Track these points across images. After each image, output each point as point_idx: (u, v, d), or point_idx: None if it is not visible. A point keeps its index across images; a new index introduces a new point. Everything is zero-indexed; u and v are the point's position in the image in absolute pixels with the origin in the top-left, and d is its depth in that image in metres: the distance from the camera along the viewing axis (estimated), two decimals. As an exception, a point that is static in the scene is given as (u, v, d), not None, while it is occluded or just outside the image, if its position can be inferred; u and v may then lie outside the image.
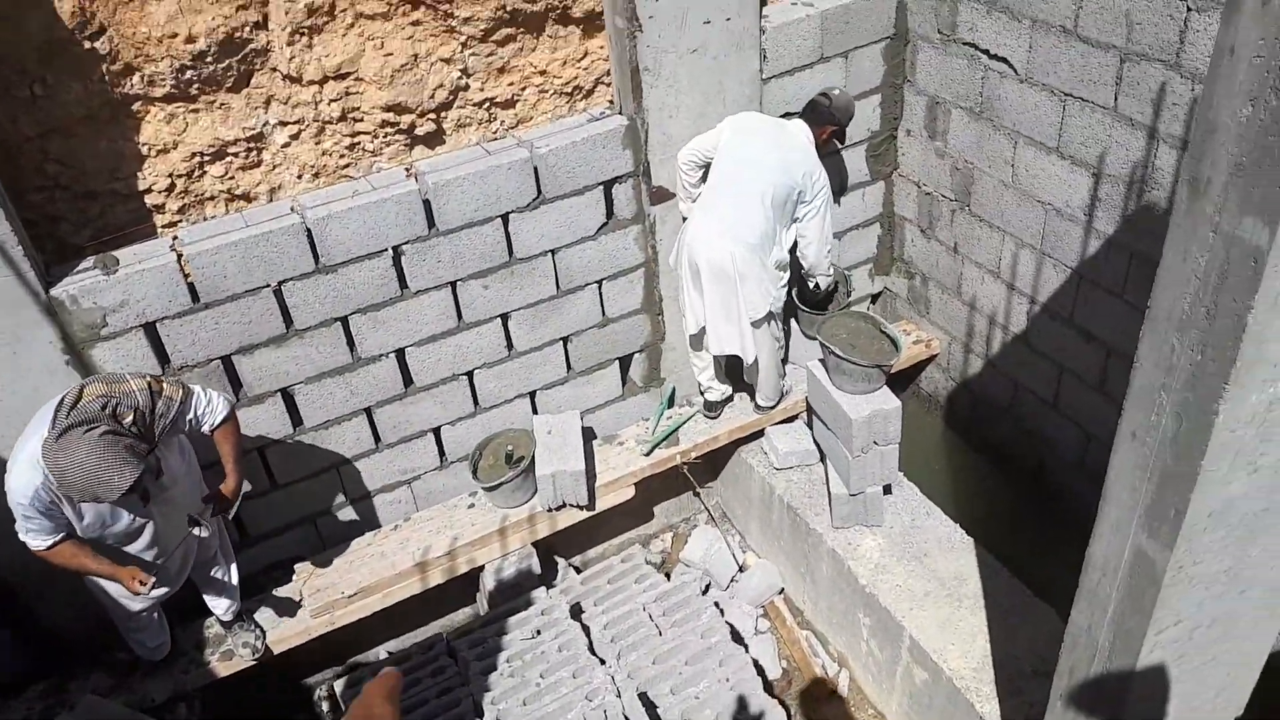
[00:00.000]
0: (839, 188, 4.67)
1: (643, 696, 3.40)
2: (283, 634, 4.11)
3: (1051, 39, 3.60)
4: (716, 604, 4.75)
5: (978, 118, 4.12)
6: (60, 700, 3.85)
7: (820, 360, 4.29)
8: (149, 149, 3.59)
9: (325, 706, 4.55)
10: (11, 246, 3.16)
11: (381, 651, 4.79)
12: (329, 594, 4.19)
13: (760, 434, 4.84)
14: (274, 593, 4.21)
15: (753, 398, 4.73)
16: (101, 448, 2.80)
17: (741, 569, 4.95)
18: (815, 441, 4.67)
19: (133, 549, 3.32)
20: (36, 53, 3.20)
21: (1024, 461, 4.74)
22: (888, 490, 4.42)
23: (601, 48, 4.08)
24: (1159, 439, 2.13)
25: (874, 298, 5.25)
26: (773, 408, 4.71)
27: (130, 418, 2.95)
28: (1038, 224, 4.05)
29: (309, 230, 3.64)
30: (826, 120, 3.97)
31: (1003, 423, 4.77)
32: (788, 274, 4.21)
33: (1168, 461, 2.12)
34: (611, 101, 4.17)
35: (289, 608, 4.15)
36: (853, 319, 4.23)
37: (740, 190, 3.91)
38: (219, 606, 3.92)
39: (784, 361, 4.69)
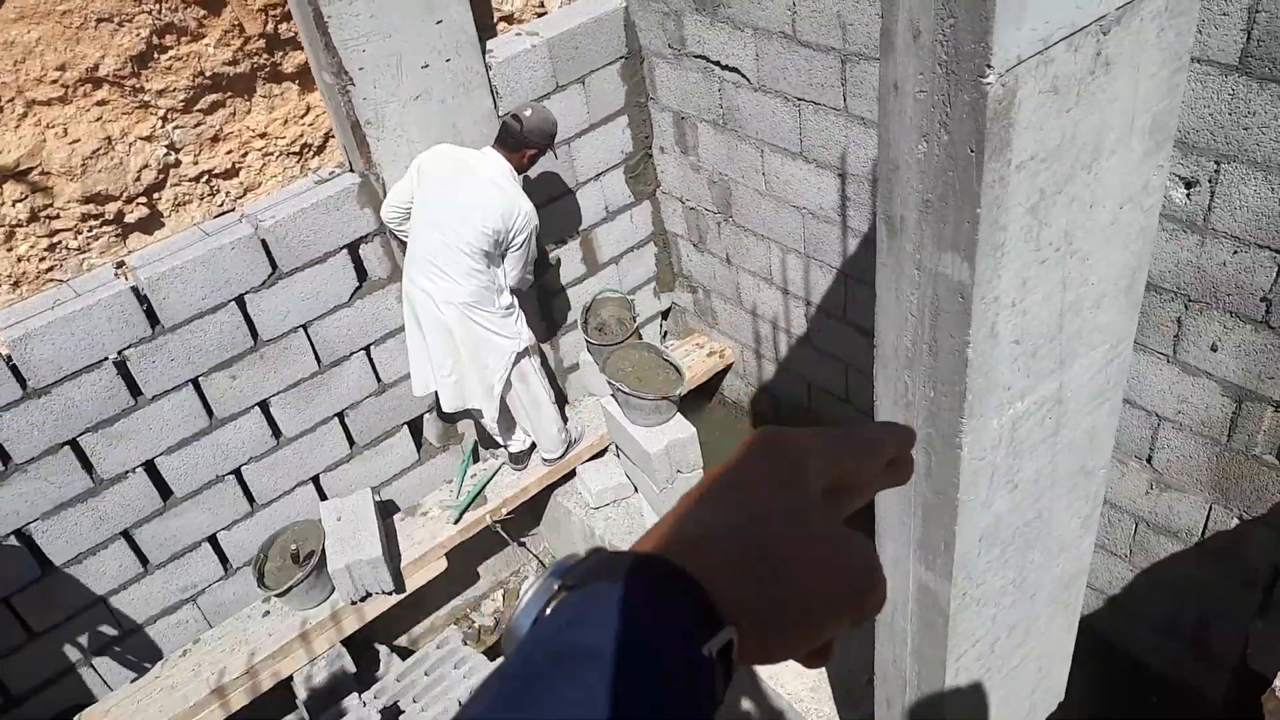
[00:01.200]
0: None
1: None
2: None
3: (775, 46, 3.55)
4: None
5: (723, 129, 4.05)
6: None
7: (612, 395, 4.13)
8: None
9: None
10: None
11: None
12: (117, 743, 3.72)
13: (572, 475, 4.65)
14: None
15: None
16: None
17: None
18: (627, 474, 4.53)
19: None
20: None
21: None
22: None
23: (323, 101, 3.77)
24: (915, 473, 2.05)
25: (664, 314, 5.15)
26: (559, 458, 4.50)
27: None
28: (797, 229, 4.01)
29: (8, 356, 3.18)
30: (523, 145, 3.63)
31: (803, 422, 4.77)
32: (518, 325, 3.93)
33: (927, 496, 2.04)
34: (345, 155, 3.86)
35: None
36: (636, 351, 4.10)
37: (443, 246, 3.60)
38: None
39: (560, 399, 4.47)
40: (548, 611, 0.48)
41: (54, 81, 3.21)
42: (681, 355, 4.87)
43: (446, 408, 4.02)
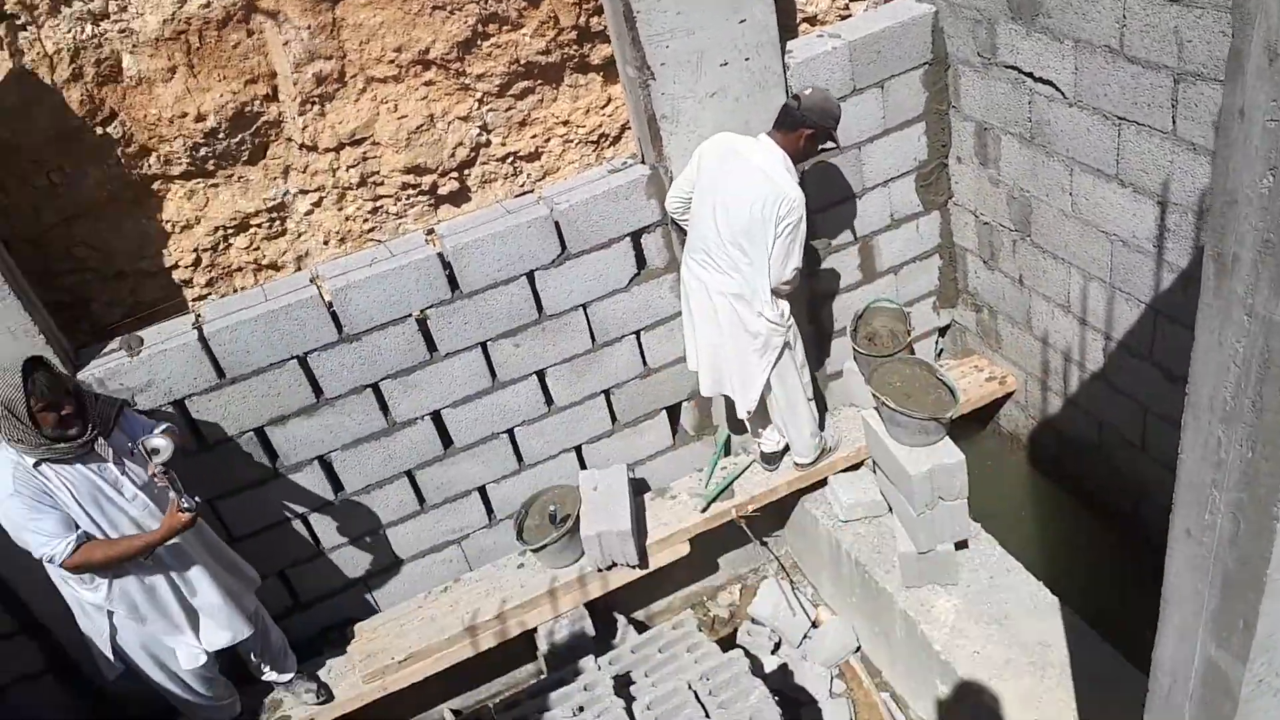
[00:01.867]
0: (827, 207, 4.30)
1: (681, 785, 3.19)
2: (338, 698, 4.07)
3: (1098, 60, 3.23)
4: (786, 665, 4.48)
5: (1029, 144, 3.76)
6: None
7: (875, 408, 3.99)
8: (172, 226, 3.60)
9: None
10: (33, 336, 3.18)
11: (445, 711, 4.71)
12: (380, 659, 4.12)
13: (824, 483, 4.55)
14: (329, 659, 4.18)
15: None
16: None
17: (814, 625, 4.66)
18: (882, 492, 4.37)
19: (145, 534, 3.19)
20: (50, 143, 3.23)
21: (1116, 506, 4.32)
22: (962, 545, 4.09)
23: (625, 92, 3.91)
24: (1216, 539, 1.81)
25: (942, 331, 4.90)
26: (811, 464, 4.41)
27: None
28: (1104, 256, 3.66)
29: (329, 302, 3.58)
30: (799, 124, 3.49)
31: (1091, 464, 4.36)
32: (785, 322, 3.84)
33: (1229, 565, 1.80)
34: (639, 147, 3.99)
35: (343, 672, 4.11)
36: (908, 366, 3.93)
37: (713, 231, 3.61)
38: (276, 672, 3.91)
39: (819, 405, 4.35)
40: None
41: (390, 61, 3.56)
42: (957, 376, 4.61)
43: (704, 392, 4.07)
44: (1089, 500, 4.49)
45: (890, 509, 4.34)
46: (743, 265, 3.62)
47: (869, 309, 4.46)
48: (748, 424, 4.28)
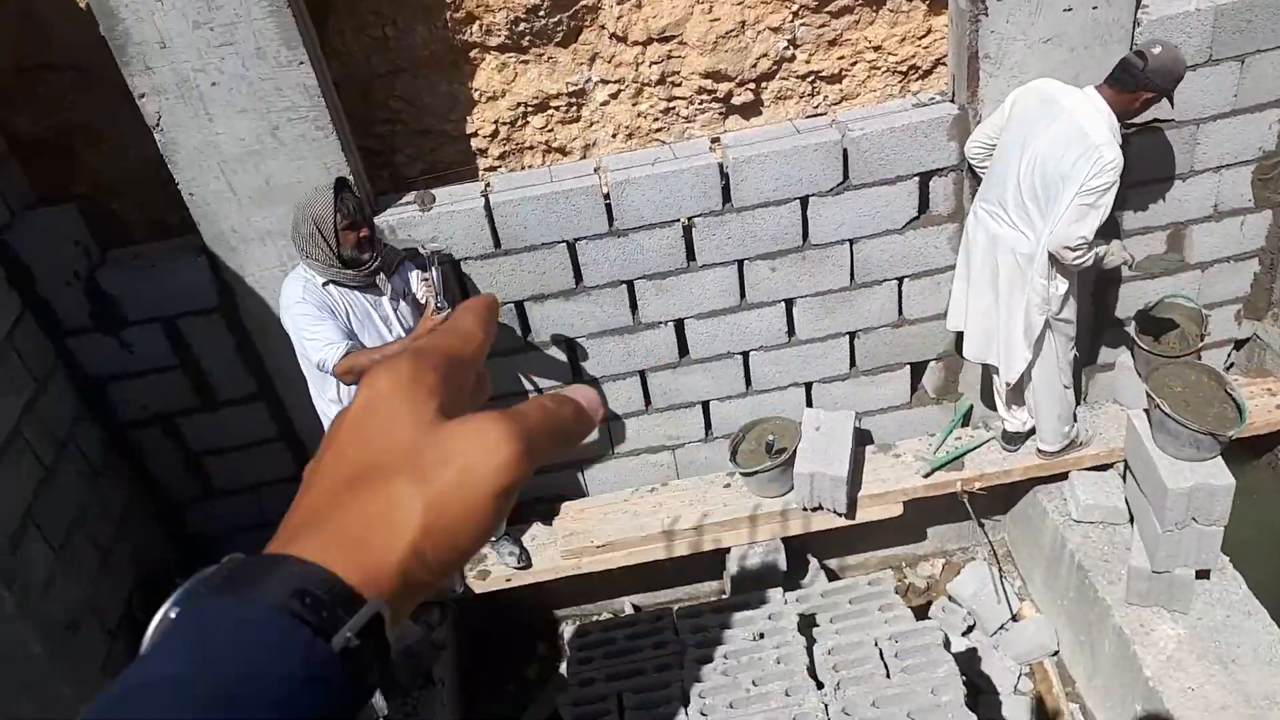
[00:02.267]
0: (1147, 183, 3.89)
1: (852, 736, 3.16)
2: (535, 567, 4.32)
3: None
4: (975, 650, 4.33)
5: None
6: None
7: (1145, 410, 3.67)
8: (480, 95, 3.77)
9: (565, 639, 4.76)
10: (344, 173, 3.46)
11: (626, 604, 4.91)
12: (580, 540, 4.32)
13: (1063, 477, 4.27)
14: (533, 529, 4.43)
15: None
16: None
17: (1014, 618, 4.45)
18: (1126, 501, 4.05)
19: None
20: (389, -3, 3.45)
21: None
22: (1203, 575, 3.74)
23: (947, 25, 3.68)
24: None
25: (1239, 344, 4.40)
26: (1056, 454, 4.12)
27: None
28: None
29: (607, 194, 3.66)
30: (1140, 86, 3.16)
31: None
32: (1070, 281, 3.55)
33: None
34: (948, 85, 3.76)
35: (544, 544, 4.35)
36: (1193, 371, 3.57)
37: (1013, 183, 3.36)
38: None
39: (1076, 395, 4.03)
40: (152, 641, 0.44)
41: (720, -42, 3.51)
42: (1245, 395, 4.15)
43: (968, 355, 3.88)
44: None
45: (1131, 519, 4.03)
46: (1038, 224, 3.37)
47: (1161, 303, 4.07)
48: (999, 397, 4.05)
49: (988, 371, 4.11)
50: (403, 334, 3.41)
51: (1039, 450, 4.14)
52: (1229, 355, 4.44)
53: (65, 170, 3.76)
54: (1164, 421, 3.43)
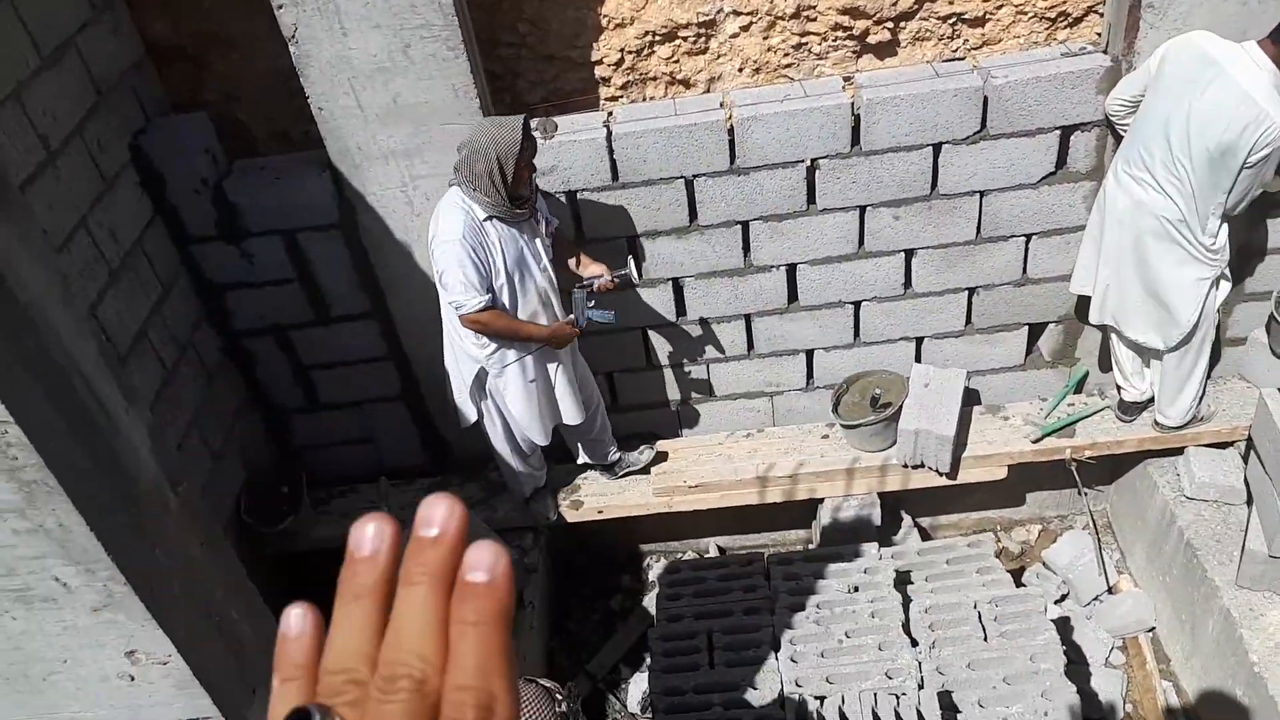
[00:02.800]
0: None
1: (944, 696, 3.13)
2: (625, 501, 4.35)
3: None
4: (1067, 619, 4.25)
5: None
6: (437, 498, 4.43)
7: (1278, 389, 3.49)
8: (608, 21, 3.69)
9: (650, 575, 4.81)
10: (471, 98, 3.43)
11: (711, 545, 4.93)
12: (673, 479, 4.33)
13: (1179, 451, 4.12)
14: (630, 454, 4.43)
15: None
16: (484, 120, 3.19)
17: (1110, 590, 4.35)
18: (1246, 481, 3.89)
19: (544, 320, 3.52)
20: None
21: None
22: (1324, 565, 3.59)
23: (1105, -31, 3.47)
24: None
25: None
26: (1176, 429, 3.96)
27: None
28: None
29: (731, 130, 3.57)
30: None
31: None
32: (1223, 256, 3.39)
33: None
34: (1099, 35, 3.56)
35: (636, 480, 4.36)
36: (1345, 353, 3.37)
37: (1161, 146, 3.17)
38: (602, 456, 4.24)
39: (1207, 375, 3.87)
40: None
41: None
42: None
43: (1093, 319, 3.71)
44: None
45: (1249, 500, 3.87)
46: (1187, 186, 3.19)
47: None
48: (1117, 365, 3.90)
49: (1108, 337, 3.95)
50: (547, 265, 3.44)
51: (1158, 423, 3.99)
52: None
53: (196, 78, 3.81)
54: (1305, 404, 3.27)
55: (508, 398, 3.63)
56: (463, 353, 3.55)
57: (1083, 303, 3.91)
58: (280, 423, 4.44)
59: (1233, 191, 3.17)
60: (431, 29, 3.24)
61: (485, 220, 3.20)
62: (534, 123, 3.68)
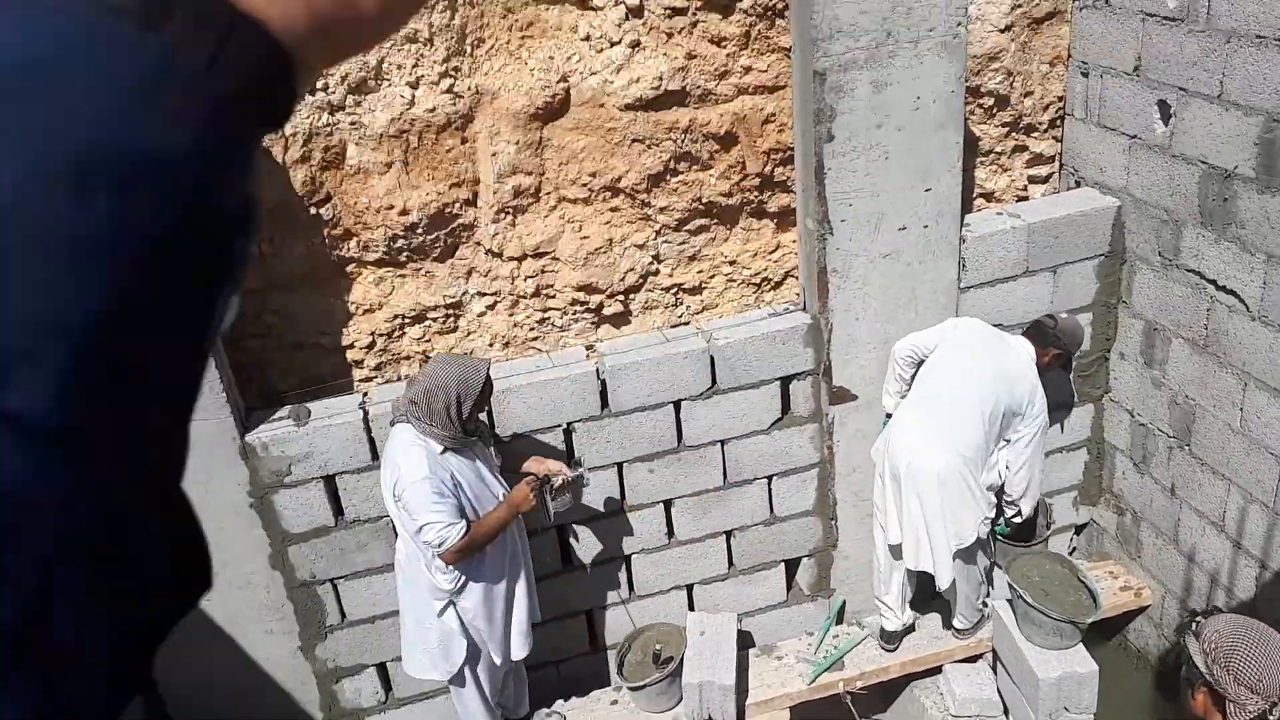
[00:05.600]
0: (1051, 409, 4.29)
1: None
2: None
3: (1291, 278, 3.21)
4: None
5: (1202, 351, 3.71)
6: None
7: (1008, 600, 3.84)
8: (356, 308, 3.82)
9: None
10: (217, 393, 3.38)
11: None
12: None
13: (937, 671, 4.34)
14: None
15: (946, 618, 4.27)
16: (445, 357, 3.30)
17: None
18: (999, 692, 4.13)
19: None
20: (268, 215, 3.52)
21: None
22: (1081, 761, 3.81)
23: (794, 241, 4.05)
24: None
25: (1078, 529, 4.72)
26: (968, 630, 4.24)
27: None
28: (1270, 479, 3.51)
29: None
30: (1050, 343, 3.72)
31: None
32: (993, 498, 3.85)
33: None
34: (798, 295, 4.09)
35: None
36: (1049, 561, 3.80)
37: (958, 399, 3.62)
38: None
39: (988, 584, 4.22)
40: None
41: (584, 185, 3.79)
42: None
43: (909, 564, 3.88)
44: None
45: (1005, 711, 4.10)
46: (984, 437, 3.64)
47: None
48: (888, 594, 4.10)
49: (875, 567, 4.17)
50: (499, 479, 3.46)
51: (956, 632, 4.23)
52: (1072, 540, 4.74)
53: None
54: (1028, 612, 3.59)
55: (473, 611, 3.47)
56: (429, 596, 3.41)
57: (835, 537, 4.18)
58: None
59: (1016, 478, 3.76)
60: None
61: (443, 452, 3.21)
62: (285, 410, 3.67)
